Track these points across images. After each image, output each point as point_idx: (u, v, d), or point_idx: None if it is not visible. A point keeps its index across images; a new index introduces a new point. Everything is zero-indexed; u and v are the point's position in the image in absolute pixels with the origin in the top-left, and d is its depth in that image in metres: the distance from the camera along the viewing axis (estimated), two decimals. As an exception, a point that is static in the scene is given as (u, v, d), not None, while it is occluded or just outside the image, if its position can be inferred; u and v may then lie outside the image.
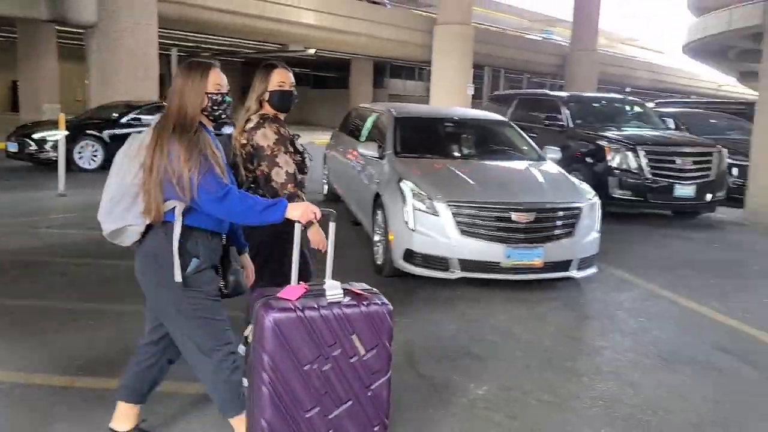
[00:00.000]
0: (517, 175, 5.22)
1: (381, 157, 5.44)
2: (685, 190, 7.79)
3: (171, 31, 21.03)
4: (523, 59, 35.09)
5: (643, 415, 2.90)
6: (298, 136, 2.87)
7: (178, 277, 2.08)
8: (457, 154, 5.70)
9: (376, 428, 2.09)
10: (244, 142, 2.72)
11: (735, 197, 8.74)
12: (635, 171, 7.82)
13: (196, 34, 23.78)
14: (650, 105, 13.58)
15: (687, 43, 37.09)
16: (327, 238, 2.28)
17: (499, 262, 4.48)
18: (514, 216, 4.50)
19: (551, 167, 5.43)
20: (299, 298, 2.02)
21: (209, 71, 2.18)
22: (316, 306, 1.99)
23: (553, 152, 5.89)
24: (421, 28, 29.28)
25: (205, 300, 2.17)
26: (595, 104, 9.85)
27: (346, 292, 2.10)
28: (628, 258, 6.07)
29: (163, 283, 2.12)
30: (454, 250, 4.51)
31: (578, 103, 9.53)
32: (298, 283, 2.11)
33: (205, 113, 2.19)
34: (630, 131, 8.59)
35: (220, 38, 25.18)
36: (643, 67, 43.42)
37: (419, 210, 4.60)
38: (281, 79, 2.74)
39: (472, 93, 26.82)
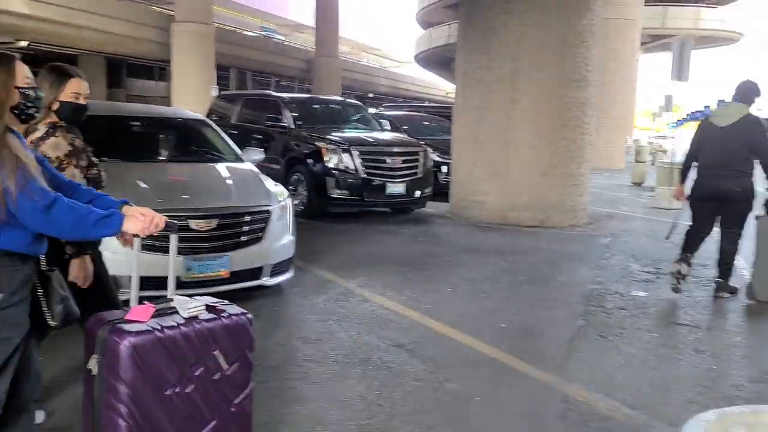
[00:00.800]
0: (203, 178, 4.78)
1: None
2: (396, 188, 8.20)
3: None
4: (270, 62, 35.08)
5: (300, 435, 2.67)
6: (92, 148, 2.67)
7: None
8: (140, 156, 5.04)
9: None
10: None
11: (447, 193, 9.53)
12: (351, 171, 8.00)
13: None
14: (374, 110, 14.36)
15: (417, 54, 40.97)
16: (169, 249, 2.07)
17: (179, 276, 3.99)
18: (193, 224, 4.04)
19: (246, 169, 5.11)
20: (151, 318, 1.84)
21: (15, 62, 1.86)
22: (175, 324, 1.84)
23: (255, 153, 5.60)
24: (158, 25, 27.38)
25: None
26: (316, 106, 9.94)
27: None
28: (336, 257, 6.08)
29: None
30: (125, 267, 3.87)
31: (300, 104, 9.52)
32: (142, 303, 1.92)
33: (16, 111, 1.85)
34: (347, 133, 8.79)
35: None
36: (383, 75, 46.76)
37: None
38: (77, 90, 2.51)
39: (217, 94, 25.87)
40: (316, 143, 8.24)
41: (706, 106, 31.95)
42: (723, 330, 4.28)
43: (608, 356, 3.72)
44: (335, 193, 8.03)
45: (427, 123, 12.32)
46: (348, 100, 10.24)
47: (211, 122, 5.77)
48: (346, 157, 8.00)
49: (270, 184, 4.85)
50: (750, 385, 3.33)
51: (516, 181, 8.21)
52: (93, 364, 1.84)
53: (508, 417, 2.92)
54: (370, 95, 44.92)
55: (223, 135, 5.63)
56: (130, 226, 1.87)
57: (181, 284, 3.99)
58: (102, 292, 2.58)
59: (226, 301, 2.06)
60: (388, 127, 9.88)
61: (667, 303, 4.87)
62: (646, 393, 3.21)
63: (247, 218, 4.33)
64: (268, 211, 4.46)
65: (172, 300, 1.95)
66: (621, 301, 4.88)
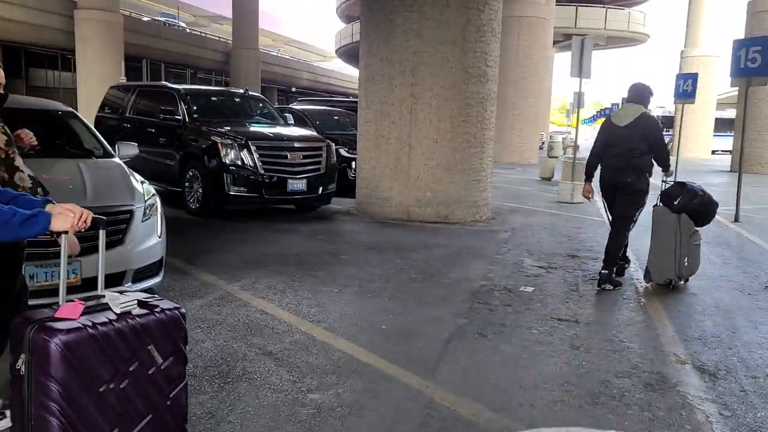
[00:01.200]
0: (58, 175, 4.33)
1: None
2: (297, 184, 7.94)
3: None
4: (186, 53, 33.86)
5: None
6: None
7: None
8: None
9: None
10: None
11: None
12: (249, 167, 7.67)
13: None
14: (296, 105, 13.97)
15: (338, 48, 40.68)
16: (99, 246, 2.11)
17: (21, 286, 3.58)
18: (38, 227, 3.64)
19: (111, 165, 4.70)
20: (81, 315, 1.84)
21: None
22: (107, 320, 1.85)
23: (128, 148, 5.18)
24: (61, 12, 25.76)
25: None
26: (214, 98, 9.51)
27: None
28: (225, 258, 5.76)
29: None
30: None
31: (198, 97, 9.06)
32: (72, 301, 1.89)
33: None
34: (246, 127, 8.43)
35: None
36: (305, 69, 46.12)
37: None
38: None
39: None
40: (212, 138, 7.85)
41: (614, 104, 33.52)
42: (601, 324, 4.30)
43: (483, 356, 3.63)
44: (233, 190, 7.68)
45: (337, 117, 12.10)
46: (251, 92, 9.83)
47: (79, 115, 5.29)
48: (243, 152, 7.67)
49: (136, 181, 4.47)
50: (616, 380, 3.32)
51: (419, 176, 8.14)
52: (21, 364, 1.80)
53: (365, 427, 2.75)
54: (293, 89, 44.25)
55: (92, 128, 5.18)
56: (59, 224, 1.83)
57: (23, 294, 3.61)
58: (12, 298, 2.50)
59: (157, 296, 2.08)
60: (292, 122, 9.59)
61: (552, 298, 4.87)
62: (513, 394, 3.13)
63: (104, 219, 3.93)
64: (129, 211, 4.09)
65: (103, 296, 1.93)
66: (507, 297, 4.85)
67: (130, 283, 4.07)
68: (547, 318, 4.36)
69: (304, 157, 8.06)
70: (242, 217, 8.03)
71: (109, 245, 3.95)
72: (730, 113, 31.33)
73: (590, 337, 4.02)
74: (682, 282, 5.30)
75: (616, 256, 5.26)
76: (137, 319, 1.91)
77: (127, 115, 9.56)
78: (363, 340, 3.79)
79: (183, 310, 2.05)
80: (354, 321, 4.15)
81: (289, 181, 7.87)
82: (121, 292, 2.03)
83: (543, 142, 25.15)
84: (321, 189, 8.24)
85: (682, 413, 2.97)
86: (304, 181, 7.98)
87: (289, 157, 7.91)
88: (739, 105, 9.67)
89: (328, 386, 3.12)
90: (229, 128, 8.04)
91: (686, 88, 13.43)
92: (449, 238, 7.22)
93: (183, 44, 33.65)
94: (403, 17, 7.97)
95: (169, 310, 2.01)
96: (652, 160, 5.11)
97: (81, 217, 1.88)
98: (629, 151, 5.01)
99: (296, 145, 8.07)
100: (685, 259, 5.15)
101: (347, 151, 10.49)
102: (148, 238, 4.22)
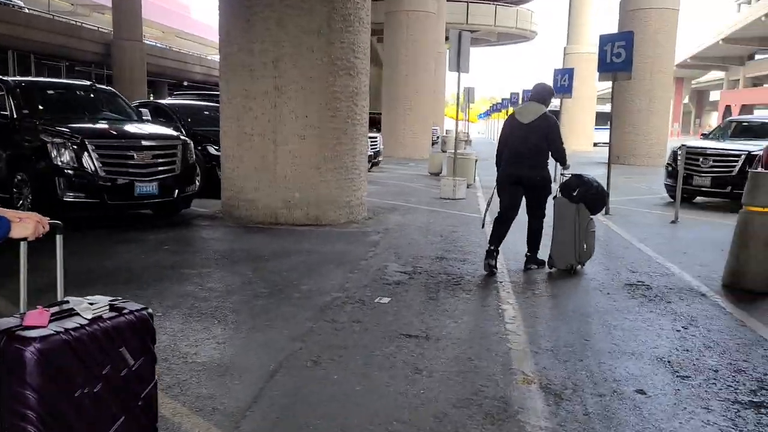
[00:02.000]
0: None
1: None
2: (146, 188, 7.10)
3: None
4: (59, 44, 31.12)
5: None
6: None
7: None
8: None
9: None
10: None
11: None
12: (87, 169, 6.75)
13: None
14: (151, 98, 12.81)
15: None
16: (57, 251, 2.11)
17: None
18: None
19: None
20: (50, 321, 1.80)
21: None
22: (78, 325, 1.83)
23: None
24: None
25: None
26: (52, 92, 8.40)
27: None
28: (37, 278, 4.86)
29: None
30: None
31: (31, 90, 7.97)
32: (36, 308, 1.83)
33: None
34: (85, 124, 7.45)
35: None
36: (198, 62, 44.08)
37: None
38: None
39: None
40: (42, 136, 6.85)
41: (504, 99, 34.47)
42: (452, 339, 3.91)
43: (309, 391, 3.11)
44: (68, 196, 6.73)
45: (208, 112, 11.22)
46: (98, 85, 8.79)
47: None
48: (79, 152, 6.73)
49: None
50: (453, 412, 2.91)
51: (286, 176, 7.54)
52: None
53: None
54: (185, 83, 42.13)
55: None
56: (19, 230, 1.80)
57: None
58: None
59: (121, 298, 2.06)
60: (148, 117, 8.67)
61: (407, 309, 4.46)
62: (330, 442, 2.63)
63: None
64: None
65: (67, 302, 1.91)
66: (359, 311, 4.38)
67: None
68: (396, 335, 3.91)
69: (155, 156, 7.23)
70: (83, 226, 7.08)
71: None
72: (609, 107, 33.09)
73: (437, 356, 3.61)
74: (581, 266, 5.67)
75: (538, 240, 5.71)
76: (108, 322, 1.90)
77: (-51, 111, 8.26)
78: (165, 381, 3.15)
79: (150, 311, 2.06)
80: (164, 355, 3.49)
81: (137, 184, 7.01)
82: (83, 297, 1.98)
83: (437, 137, 25.25)
84: (177, 192, 7.44)
85: (517, 451, 2.60)
86: (155, 183, 7.15)
87: (135, 157, 7.05)
88: (613, 100, 9.83)
89: (94, 452, 2.47)
90: (64, 126, 7.05)
91: (563, 82, 13.72)
92: (316, 242, 6.68)
93: (56, 34, 30.91)
94: (263, 3, 7.31)
95: (137, 311, 2.01)
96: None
97: (41, 222, 1.84)
98: (535, 146, 5.42)
99: (145, 143, 7.22)
100: (584, 245, 5.60)
101: (217, 149, 9.70)
102: None
